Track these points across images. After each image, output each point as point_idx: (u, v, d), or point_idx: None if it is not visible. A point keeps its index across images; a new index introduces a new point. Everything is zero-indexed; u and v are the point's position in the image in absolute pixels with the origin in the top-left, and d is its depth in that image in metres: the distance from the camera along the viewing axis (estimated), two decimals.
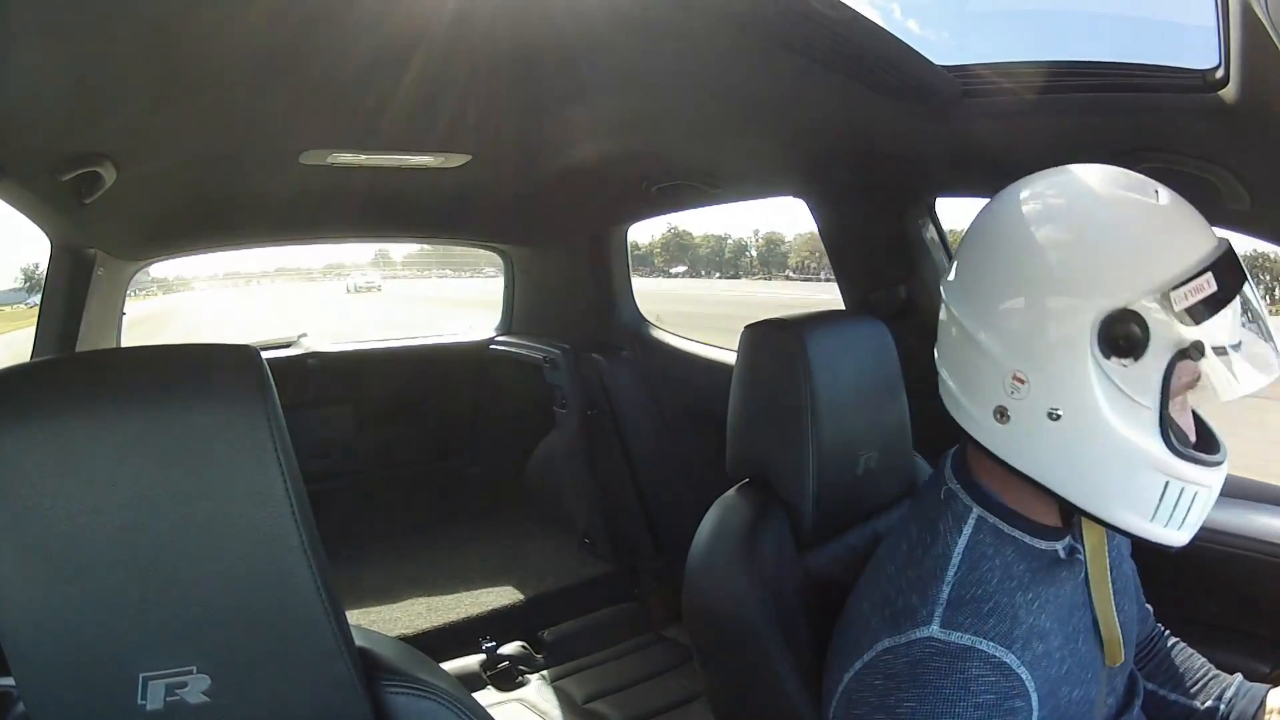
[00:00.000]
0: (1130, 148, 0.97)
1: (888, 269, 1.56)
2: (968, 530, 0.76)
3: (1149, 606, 1.00)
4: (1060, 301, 0.68)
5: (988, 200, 0.78)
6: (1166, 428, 0.68)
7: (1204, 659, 0.99)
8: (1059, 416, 0.69)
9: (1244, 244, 0.95)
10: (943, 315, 0.79)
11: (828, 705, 0.78)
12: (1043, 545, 0.77)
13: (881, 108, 1.16)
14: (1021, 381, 0.70)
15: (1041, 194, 0.73)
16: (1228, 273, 0.66)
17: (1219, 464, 0.71)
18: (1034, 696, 0.70)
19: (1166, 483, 0.69)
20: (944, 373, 0.79)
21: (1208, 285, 0.65)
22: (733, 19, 0.94)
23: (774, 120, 1.37)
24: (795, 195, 1.70)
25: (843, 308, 1.69)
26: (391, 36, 0.99)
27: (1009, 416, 0.72)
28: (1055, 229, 0.70)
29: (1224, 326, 0.67)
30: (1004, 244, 0.73)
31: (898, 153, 1.35)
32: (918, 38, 1.01)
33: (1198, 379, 0.70)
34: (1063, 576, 0.77)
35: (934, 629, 0.70)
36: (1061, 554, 0.78)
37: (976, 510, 0.77)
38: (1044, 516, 0.77)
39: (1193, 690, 0.95)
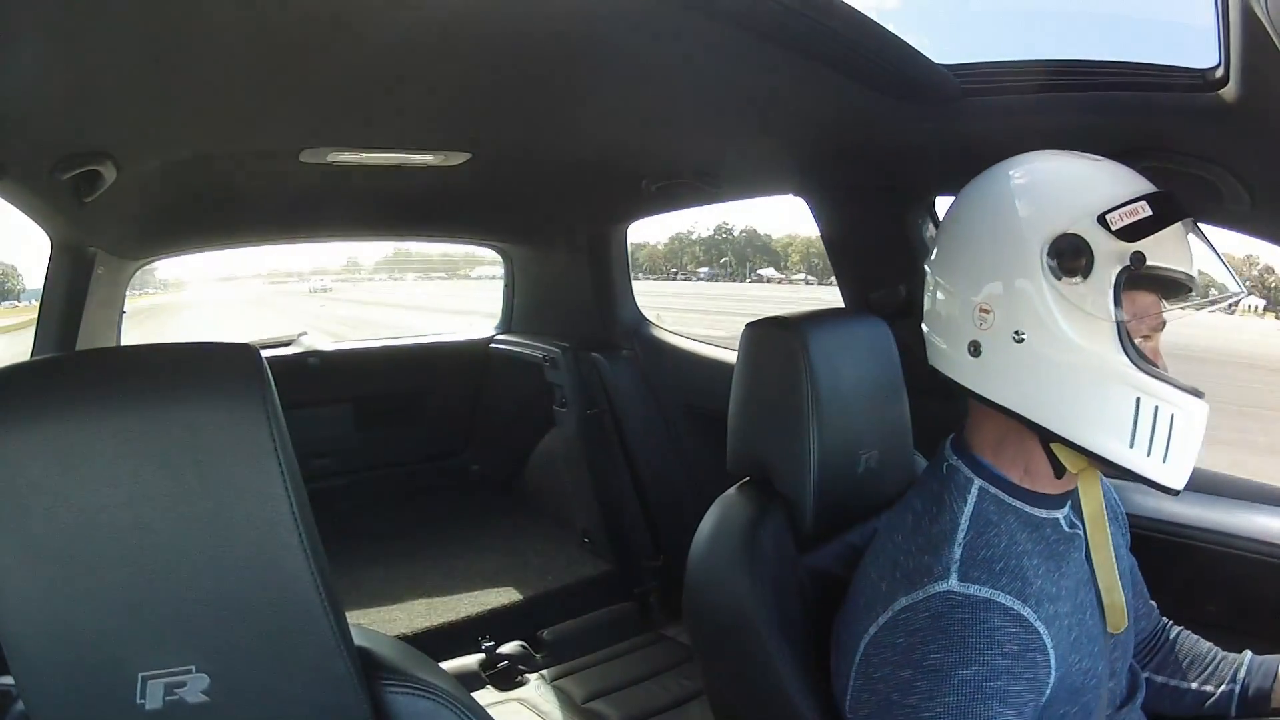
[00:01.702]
0: (1130, 147, 0.97)
1: (888, 268, 1.56)
2: (971, 499, 0.79)
3: (1153, 602, 1.00)
4: (1011, 233, 0.76)
5: None
6: (1127, 342, 0.73)
7: (1210, 644, 0.99)
8: (1023, 339, 0.75)
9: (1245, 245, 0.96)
10: (926, 284, 0.85)
11: (844, 681, 0.78)
12: (1043, 514, 0.79)
13: (882, 107, 1.16)
14: (987, 311, 0.77)
15: (996, 169, 0.82)
16: (1163, 203, 0.73)
17: (1195, 393, 0.75)
18: (1051, 654, 0.72)
19: (1138, 399, 0.73)
20: (928, 332, 0.85)
21: (1141, 210, 0.73)
22: (733, 17, 0.94)
23: (774, 119, 1.36)
24: (795, 194, 1.70)
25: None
26: (392, 35, 0.99)
27: (981, 349, 0.78)
28: (1007, 183, 0.79)
29: (1169, 250, 0.74)
30: (965, 207, 0.82)
31: (898, 152, 1.35)
32: (918, 37, 1.02)
33: (1162, 324, 0.77)
34: (1064, 552, 0.79)
35: (952, 582, 0.72)
36: (1063, 524, 0.80)
37: (978, 481, 0.80)
38: (1042, 484, 0.79)
39: (1204, 676, 0.96)
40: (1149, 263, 0.72)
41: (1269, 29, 0.71)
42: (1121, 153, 0.92)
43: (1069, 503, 0.82)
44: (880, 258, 1.58)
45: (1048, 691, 0.72)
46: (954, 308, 0.80)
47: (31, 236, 1.59)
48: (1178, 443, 0.74)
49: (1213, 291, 0.79)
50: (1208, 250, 0.78)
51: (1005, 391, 0.77)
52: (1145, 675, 0.95)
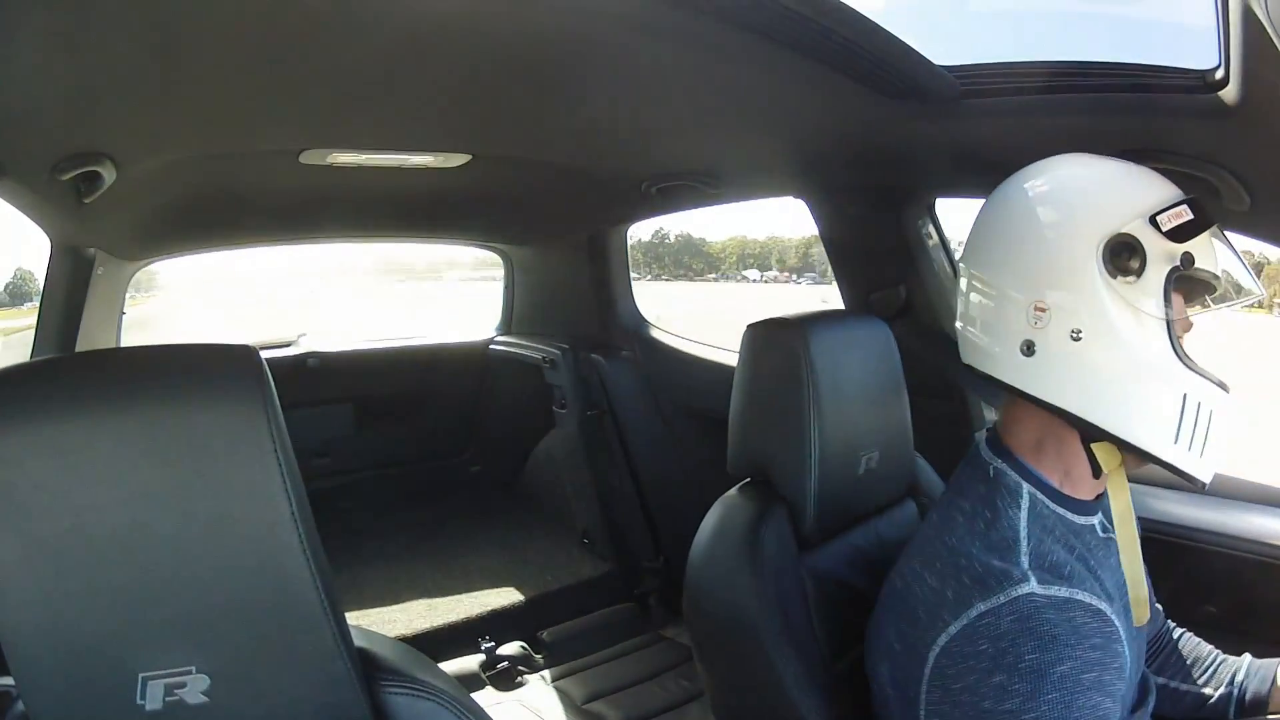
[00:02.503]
0: (1130, 148, 0.97)
1: (887, 269, 1.56)
2: (1025, 504, 0.79)
3: (1158, 606, 1.00)
4: (1066, 233, 0.77)
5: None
6: (1176, 341, 0.75)
7: (1211, 646, 0.99)
8: (1080, 336, 0.76)
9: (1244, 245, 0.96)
10: (961, 285, 0.86)
11: (904, 693, 0.77)
12: (1081, 520, 0.80)
13: (881, 108, 1.16)
14: (1043, 310, 0.78)
15: (1034, 170, 0.83)
16: (1200, 208, 0.76)
17: (1224, 387, 0.78)
18: (1126, 646, 0.73)
19: (1184, 395, 0.75)
20: (968, 331, 0.85)
21: (1185, 213, 0.75)
22: (733, 18, 0.94)
23: (774, 120, 1.36)
24: (795, 195, 1.70)
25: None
26: (392, 36, 0.99)
27: (1035, 348, 0.79)
28: (1056, 184, 0.81)
29: (1208, 252, 0.77)
30: (1012, 207, 0.82)
31: (897, 153, 1.35)
32: (918, 37, 1.02)
33: (1190, 323, 0.80)
34: (1103, 557, 0.80)
35: (1033, 585, 0.72)
36: (1099, 530, 0.81)
37: (1026, 487, 0.80)
38: (1080, 489, 0.80)
39: (1204, 678, 0.96)
40: (1196, 264, 0.75)
41: (1269, 30, 0.71)
42: (1121, 154, 0.92)
43: (1100, 510, 0.82)
44: (880, 258, 1.58)
45: (1127, 680, 0.74)
46: (1004, 307, 0.81)
47: (31, 237, 1.59)
48: (1214, 438, 0.77)
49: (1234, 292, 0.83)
50: (1229, 252, 0.81)
51: (1058, 390, 0.78)
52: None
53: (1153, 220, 0.75)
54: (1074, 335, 0.76)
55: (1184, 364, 0.75)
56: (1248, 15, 0.74)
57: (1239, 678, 0.93)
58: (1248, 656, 0.95)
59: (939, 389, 1.27)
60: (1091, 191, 0.79)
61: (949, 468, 0.88)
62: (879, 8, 0.96)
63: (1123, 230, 0.75)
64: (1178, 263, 0.75)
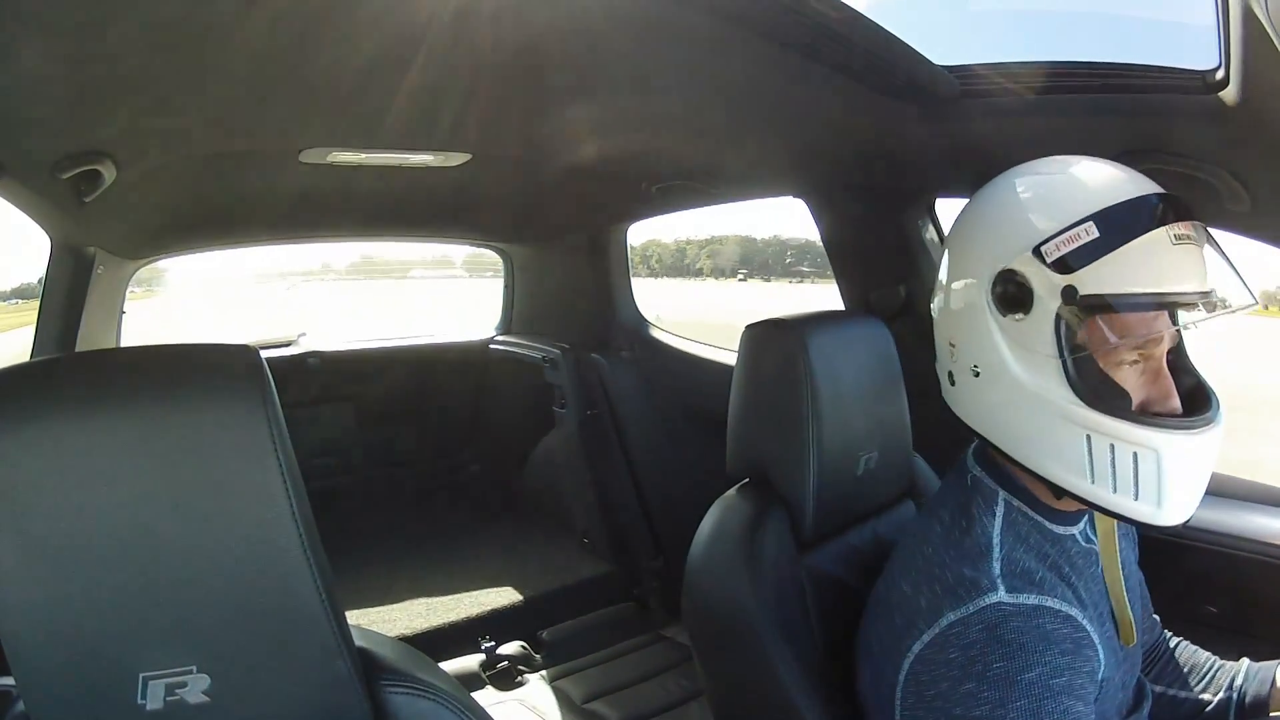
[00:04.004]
0: (1130, 149, 0.97)
1: (887, 269, 1.56)
2: (1000, 512, 0.79)
3: (1156, 616, 1.00)
4: (964, 270, 0.77)
5: None
6: (1073, 378, 0.70)
7: (1208, 653, 0.99)
8: (979, 373, 0.77)
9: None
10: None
11: (884, 698, 0.77)
12: (1059, 530, 0.79)
13: (881, 108, 1.16)
14: (953, 345, 0.80)
15: (991, 184, 0.80)
16: (1121, 217, 0.69)
17: (1172, 426, 0.70)
18: (1100, 650, 0.73)
19: (1087, 436, 0.70)
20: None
21: (1085, 234, 0.69)
22: (732, 18, 0.94)
23: (774, 120, 1.37)
24: (795, 195, 1.70)
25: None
26: (392, 35, 0.99)
27: (954, 379, 0.81)
28: (975, 208, 0.80)
29: (1117, 273, 0.68)
30: (954, 226, 0.82)
31: (897, 153, 1.35)
32: (918, 37, 1.02)
33: (1161, 338, 0.72)
34: (1083, 566, 0.80)
35: (1001, 594, 0.72)
36: (1080, 540, 0.80)
37: (1003, 494, 0.79)
38: (1052, 500, 0.79)
39: (1201, 685, 0.96)
40: (1085, 293, 0.69)
41: (1269, 30, 0.71)
42: (1121, 154, 0.92)
43: (1085, 518, 0.81)
44: (880, 258, 1.58)
45: (1100, 685, 0.73)
46: (938, 337, 0.83)
47: (31, 236, 1.59)
48: (1148, 480, 0.70)
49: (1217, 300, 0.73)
50: (1217, 256, 0.73)
51: (976, 419, 0.79)
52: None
53: (1037, 251, 0.70)
54: (974, 371, 0.77)
55: (1087, 403, 0.70)
56: (1248, 15, 0.74)
57: (1238, 682, 0.92)
58: (1245, 661, 0.94)
59: (938, 389, 1.27)
60: (994, 218, 0.76)
61: (948, 468, 0.89)
62: (879, 7, 0.96)
63: (1009, 267, 0.72)
64: (1060, 298, 0.69)
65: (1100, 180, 0.73)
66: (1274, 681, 0.90)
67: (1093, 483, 0.71)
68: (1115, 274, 0.68)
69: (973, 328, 0.76)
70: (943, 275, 0.82)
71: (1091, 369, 0.71)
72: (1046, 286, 0.71)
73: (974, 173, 0.84)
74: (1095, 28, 1.15)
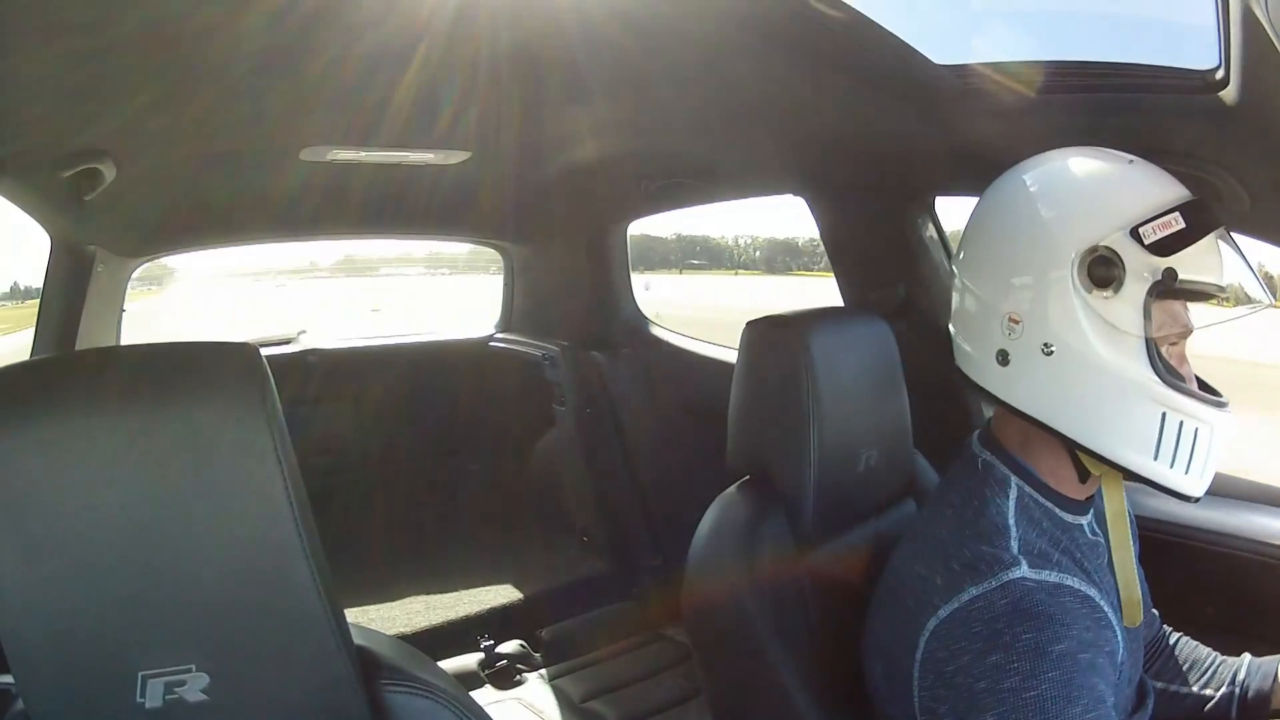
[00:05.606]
0: (1129, 148, 0.97)
1: (887, 267, 1.56)
2: (1013, 495, 0.79)
3: (1155, 611, 1.00)
4: (1042, 242, 0.75)
5: None
6: (1155, 357, 0.73)
7: (1209, 649, 0.99)
8: (1052, 351, 0.75)
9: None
10: (955, 289, 0.85)
11: (895, 686, 0.77)
12: (1069, 519, 0.79)
13: (881, 106, 1.16)
14: (1016, 322, 0.77)
15: (1027, 167, 0.81)
16: (1197, 214, 0.73)
17: (1220, 404, 0.75)
18: (1118, 631, 0.73)
19: (1163, 414, 0.73)
20: (955, 335, 0.85)
21: (1175, 222, 0.72)
22: (733, 18, 0.94)
23: (773, 119, 1.36)
24: (795, 194, 1.70)
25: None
26: (392, 34, 0.99)
27: (1009, 358, 0.78)
28: (1038, 185, 0.78)
29: (1200, 262, 0.73)
30: (997, 209, 0.81)
31: (897, 151, 1.35)
32: (918, 37, 1.02)
33: (1189, 330, 0.76)
34: (1090, 556, 0.80)
35: (1024, 570, 0.72)
36: (1087, 531, 0.81)
37: (1014, 479, 0.80)
38: (1067, 487, 0.80)
39: (1203, 680, 0.95)
40: (1181, 278, 0.71)
41: (1269, 30, 0.71)
42: None
43: (1091, 510, 0.82)
44: (880, 257, 1.57)
45: (1119, 669, 0.73)
46: (982, 314, 0.80)
47: (31, 236, 1.59)
48: (1200, 455, 0.74)
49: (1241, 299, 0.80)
50: (1237, 258, 0.77)
51: (1033, 402, 0.77)
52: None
53: (1134, 233, 0.72)
54: (1045, 349, 0.75)
55: (1165, 382, 0.73)
56: (1248, 15, 0.74)
57: (1240, 676, 0.92)
58: (1247, 656, 0.94)
59: (939, 387, 1.27)
60: (1072, 195, 0.76)
61: (949, 466, 0.89)
62: (879, 7, 0.96)
63: (1102, 244, 0.73)
64: (1160, 278, 0.72)
65: (1158, 173, 0.77)
66: (1277, 676, 0.89)
67: (1155, 459, 0.74)
68: (1200, 263, 0.73)
69: (1051, 303, 0.75)
70: (985, 250, 0.81)
71: (1157, 349, 0.73)
72: (1142, 266, 0.72)
73: (974, 172, 0.84)
74: (1095, 27, 1.14)
